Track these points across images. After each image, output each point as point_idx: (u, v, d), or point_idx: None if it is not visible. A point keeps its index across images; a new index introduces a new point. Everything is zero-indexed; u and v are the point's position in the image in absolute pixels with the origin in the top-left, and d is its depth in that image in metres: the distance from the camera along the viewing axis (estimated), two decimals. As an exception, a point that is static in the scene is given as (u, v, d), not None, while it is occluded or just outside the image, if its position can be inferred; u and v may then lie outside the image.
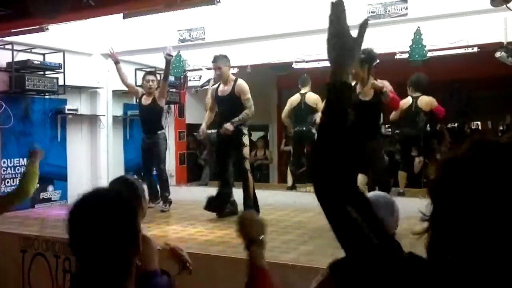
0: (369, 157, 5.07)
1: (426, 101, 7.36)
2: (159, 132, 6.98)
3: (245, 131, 5.95)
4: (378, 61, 5.52)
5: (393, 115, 7.26)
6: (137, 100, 7.26)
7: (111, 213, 1.50)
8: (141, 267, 2.23)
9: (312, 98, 7.86)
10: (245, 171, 5.90)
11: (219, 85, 6.14)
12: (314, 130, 7.88)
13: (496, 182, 0.91)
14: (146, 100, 6.97)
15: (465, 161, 0.97)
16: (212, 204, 5.98)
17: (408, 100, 7.38)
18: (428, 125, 7.69)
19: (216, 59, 6.03)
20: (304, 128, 7.92)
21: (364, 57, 5.14)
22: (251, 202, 5.86)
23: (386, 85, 5.07)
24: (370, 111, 5.08)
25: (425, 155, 7.87)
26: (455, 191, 0.96)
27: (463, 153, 0.98)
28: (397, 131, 8.02)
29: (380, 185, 5.04)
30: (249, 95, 5.91)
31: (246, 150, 5.96)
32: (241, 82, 5.99)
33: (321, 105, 7.69)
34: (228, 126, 5.77)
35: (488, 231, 0.91)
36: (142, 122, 7.16)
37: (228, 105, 5.98)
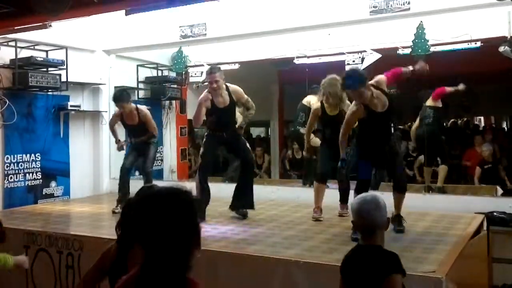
0: (388, 155, 4.95)
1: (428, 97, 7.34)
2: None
3: None
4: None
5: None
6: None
7: (181, 209, 1.63)
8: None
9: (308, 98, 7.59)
10: (253, 161, 6.18)
11: (212, 98, 5.69)
12: (302, 130, 7.49)
13: None
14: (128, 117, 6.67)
15: None
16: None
17: None
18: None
19: (214, 70, 5.63)
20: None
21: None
22: (252, 195, 5.89)
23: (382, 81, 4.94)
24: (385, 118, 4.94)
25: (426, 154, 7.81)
26: None
27: None
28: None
29: (399, 182, 4.93)
30: (245, 95, 5.83)
31: (247, 143, 6.05)
32: (233, 87, 5.75)
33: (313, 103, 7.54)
34: (241, 131, 5.96)
35: None
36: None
37: (229, 114, 5.82)
